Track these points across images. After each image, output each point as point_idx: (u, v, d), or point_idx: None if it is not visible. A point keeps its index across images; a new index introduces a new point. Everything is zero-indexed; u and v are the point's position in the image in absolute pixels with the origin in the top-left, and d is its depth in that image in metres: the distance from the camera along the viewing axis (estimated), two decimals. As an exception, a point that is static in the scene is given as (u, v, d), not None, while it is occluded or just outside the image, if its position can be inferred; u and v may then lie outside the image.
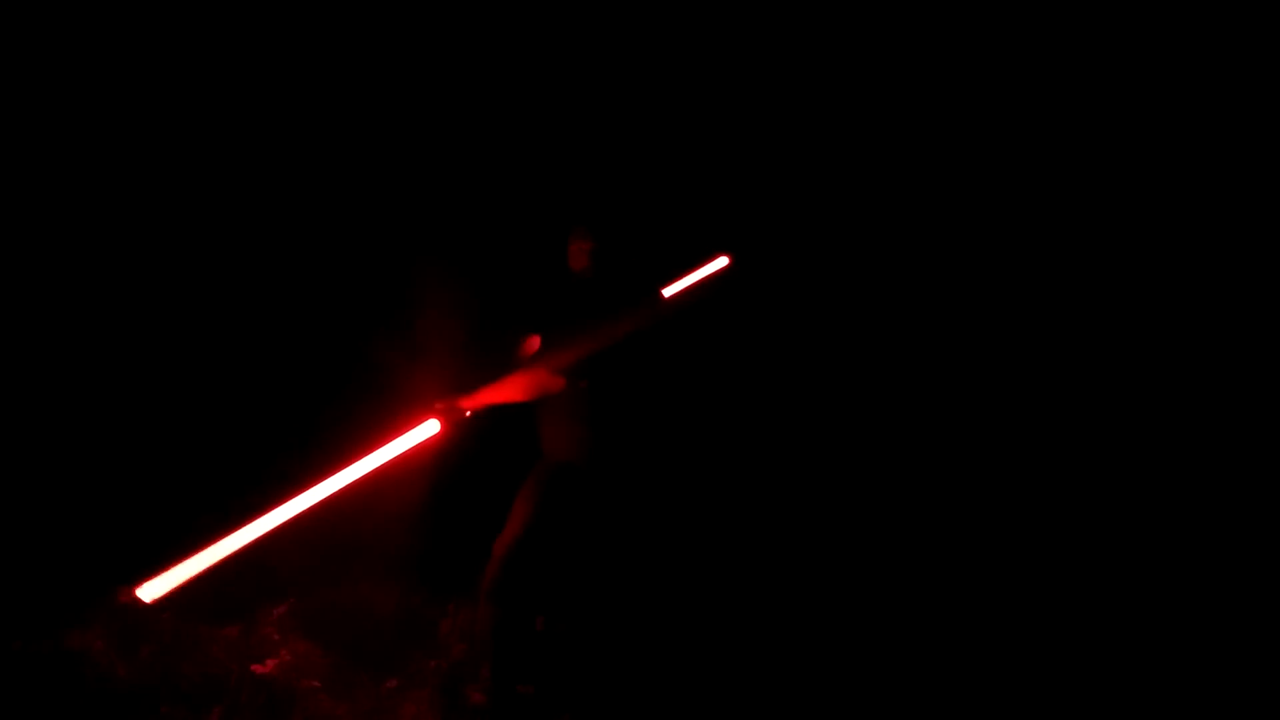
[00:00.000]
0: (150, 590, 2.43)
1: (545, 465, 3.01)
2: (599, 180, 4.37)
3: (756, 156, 4.71)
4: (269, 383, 4.02)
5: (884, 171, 4.70)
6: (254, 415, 3.92)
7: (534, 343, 2.99)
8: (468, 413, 2.87)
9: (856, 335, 4.62)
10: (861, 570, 3.75)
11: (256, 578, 3.21)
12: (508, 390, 2.85)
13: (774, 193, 4.71)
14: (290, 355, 4.06)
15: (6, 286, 3.77)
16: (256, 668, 2.90)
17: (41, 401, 3.73)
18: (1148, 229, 4.46)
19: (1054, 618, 3.47)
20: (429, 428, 2.84)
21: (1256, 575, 3.60)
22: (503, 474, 3.13)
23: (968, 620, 3.47)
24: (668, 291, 3.33)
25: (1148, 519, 3.93)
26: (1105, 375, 4.40)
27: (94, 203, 3.94)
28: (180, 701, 2.79)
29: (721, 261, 3.53)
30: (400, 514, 3.49)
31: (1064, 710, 3.07)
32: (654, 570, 3.10)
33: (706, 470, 3.92)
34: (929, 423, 4.44)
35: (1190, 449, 4.13)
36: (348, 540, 3.50)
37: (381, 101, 4.29)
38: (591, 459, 2.93)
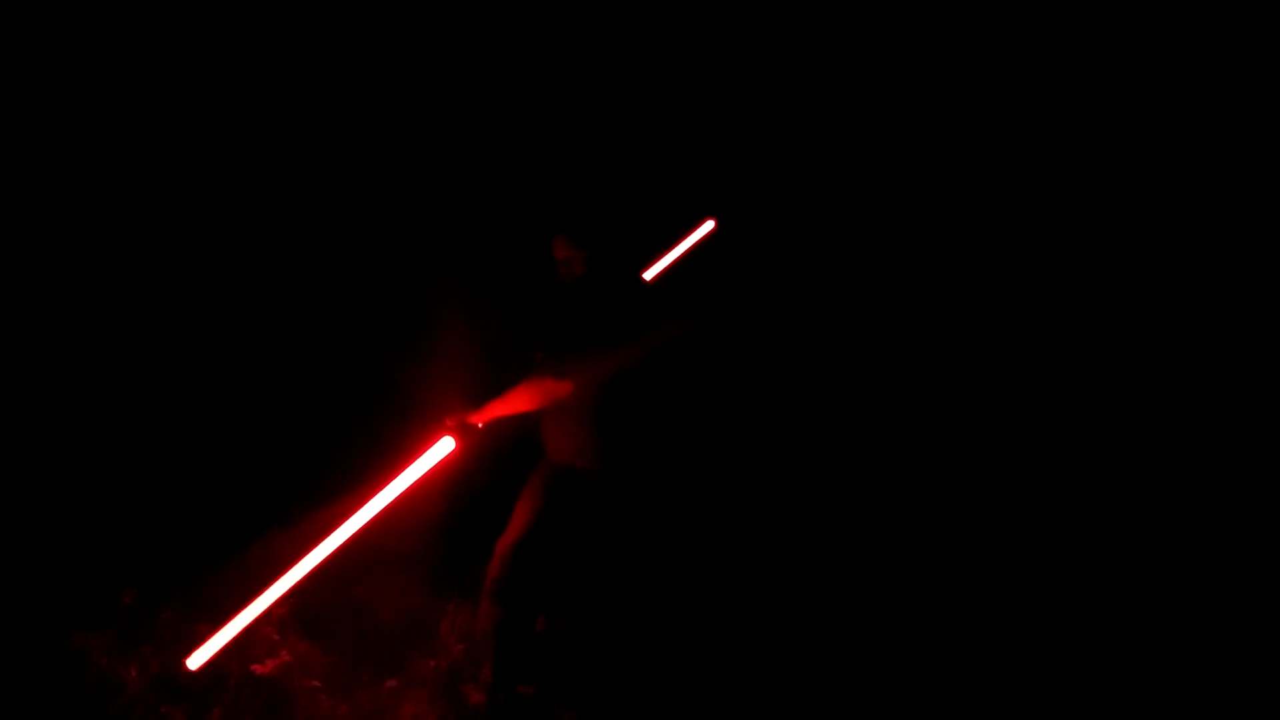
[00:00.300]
0: (196, 659, 2.59)
1: (547, 465, 3.02)
2: (574, 182, 4.40)
3: (730, 133, 4.73)
4: (284, 395, 4.05)
5: (865, 149, 4.70)
6: (264, 425, 3.94)
7: (538, 351, 3.01)
8: (480, 426, 2.89)
9: (852, 327, 4.63)
10: (862, 569, 3.75)
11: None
12: (516, 401, 2.88)
13: (753, 166, 4.73)
14: (306, 370, 4.10)
15: (24, 295, 3.83)
16: (256, 668, 2.90)
17: (50, 403, 3.75)
18: (1142, 223, 4.47)
19: (1053, 617, 3.48)
20: (445, 445, 2.87)
21: (1256, 575, 3.61)
22: (504, 474, 3.14)
23: (968, 621, 3.48)
24: (659, 266, 3.39)
25: (1146, 517, 3.94)
26: (1101, 360, 4.41)
27: (132, 225, 4.04)
28: (180, 701, 2.78)
29: (708, 226, 3.56)
30: (401, 515, 3.49)
31: (1064, 710, 3.07)
32: (655, 570, 3.11)
33: (708, 470, 3.92)
34: (929, 420, 4.44)
35: (1189, 448, 4.14)
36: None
37: (391, 121, 4.35)
38: (594, 460, 2.94)
